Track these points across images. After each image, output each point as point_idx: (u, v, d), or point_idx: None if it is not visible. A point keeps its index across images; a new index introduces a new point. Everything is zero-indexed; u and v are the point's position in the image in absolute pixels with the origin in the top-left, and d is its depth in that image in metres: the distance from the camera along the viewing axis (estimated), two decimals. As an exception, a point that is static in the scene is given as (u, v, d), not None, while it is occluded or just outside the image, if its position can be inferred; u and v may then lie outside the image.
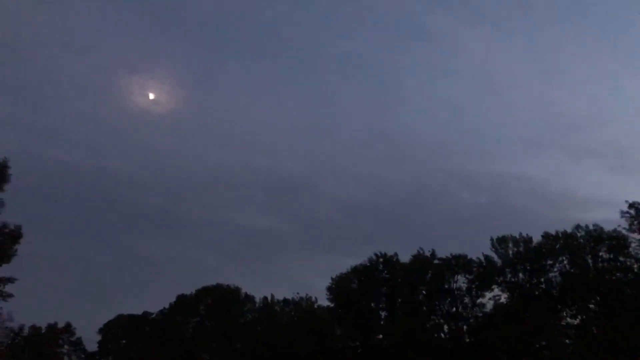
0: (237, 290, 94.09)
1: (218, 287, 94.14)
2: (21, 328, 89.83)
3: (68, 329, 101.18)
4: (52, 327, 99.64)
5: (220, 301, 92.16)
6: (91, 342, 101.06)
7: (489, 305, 72.13)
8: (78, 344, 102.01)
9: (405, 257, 78.17)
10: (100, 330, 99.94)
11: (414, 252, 77.26)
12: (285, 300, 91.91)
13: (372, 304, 78.35)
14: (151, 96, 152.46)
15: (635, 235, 64.40)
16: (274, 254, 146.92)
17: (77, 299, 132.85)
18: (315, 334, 77.73)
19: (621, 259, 64.92)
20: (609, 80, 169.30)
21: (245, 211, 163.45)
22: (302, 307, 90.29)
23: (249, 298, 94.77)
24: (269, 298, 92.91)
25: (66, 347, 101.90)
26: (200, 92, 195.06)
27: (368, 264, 79.37)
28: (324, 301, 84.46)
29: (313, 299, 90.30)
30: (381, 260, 79.30)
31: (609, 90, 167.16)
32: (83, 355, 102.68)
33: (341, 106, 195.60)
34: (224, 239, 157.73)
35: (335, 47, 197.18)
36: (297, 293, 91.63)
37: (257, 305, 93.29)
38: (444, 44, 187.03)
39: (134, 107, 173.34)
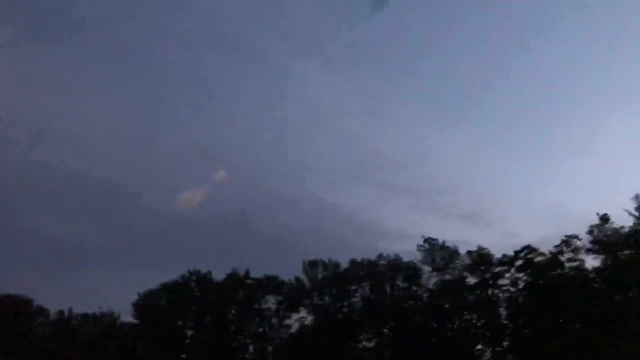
0: (29, 302, 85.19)
1: (8, 298, 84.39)
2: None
3: None
4: None
5: (9, 314, 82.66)
6: None
7: (295, 326, 74.73)
8: None
9: (220, 276, 77.81)
10: None
11: (229, 271, 77.26)
12: (84, 315, 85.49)
13: (180, 322, 76.57)
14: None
15: (427, 267, 71.78)
16: (79, 264, 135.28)
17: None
18: (116, 352, 73.54)
19: (414, 288, 71.81)
20: (418, 126, 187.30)
21: (51, 216, 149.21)
22: (103, 323, 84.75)
23: (42, 310, 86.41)
24: (66, 312, 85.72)
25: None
26: (12, 81, 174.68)
27: (180, 281, 77.54)
28: (129, 318, 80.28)
29: (116, 314, 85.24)
30: (194, 277, 78.01)
31: (417, 135, 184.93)
32: None
33: (171, 118, 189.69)
34: (23, 245, 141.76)
35: (169, 56, 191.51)
36: (100, 307, 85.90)
37: (51, 319, 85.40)
38: (279, 70, 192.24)
39: None
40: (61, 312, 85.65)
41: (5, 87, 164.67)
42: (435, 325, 67.63)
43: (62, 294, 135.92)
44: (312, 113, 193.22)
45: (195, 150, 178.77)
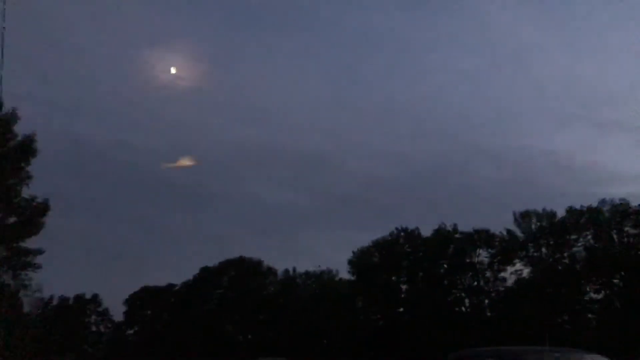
0: (259, 263, 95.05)
1: (241, 260, 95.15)
2: (50, 298, 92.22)
3: (95, 299, 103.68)
4: (79, 298, 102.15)
5: (243, 274, 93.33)
6: (117, 313, 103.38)
7: (511, 280, 71.99)
8: (105, 314, 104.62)
9: (427, 232, 78.00)
10: (126, 302, 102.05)
11: (436, 226, 76.95)
12: (306, 273, 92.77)
13: (393, 278, 78.65)
14: (173, 70, 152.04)
15: (662, 210, 63.50)
16: (296, 228, 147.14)
17: (103, 271, 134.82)
18: (336, 307, 78.39)
19: (647, 234, 64.14)
20: (636, 53, 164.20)
21: (267, 186, 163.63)
22: (323, 280, 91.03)
23: (271, 271, 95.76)
24: (291, 271, 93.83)
25: (93, 317, 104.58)
26: (222, 66, 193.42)
27: (389, 238, 79.47)
28: (345, 274, 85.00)
29: (334, 272, 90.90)
30: (402, 234, 79.34)
31: (634, 62, 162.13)
32: (110, 325, 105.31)
33: (362, 80, 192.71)
34: (247, 212, 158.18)
35: (355, 21, 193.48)
36: (319, 266, 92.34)
37: (279, 278, 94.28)
38: (467, 16, 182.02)
39: (156, 81, 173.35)
40: (286, 271, 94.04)
41: (213, 71, 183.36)
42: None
43: (284, 255, 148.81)
44: (508, 55, 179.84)
45: (389, 109, 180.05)
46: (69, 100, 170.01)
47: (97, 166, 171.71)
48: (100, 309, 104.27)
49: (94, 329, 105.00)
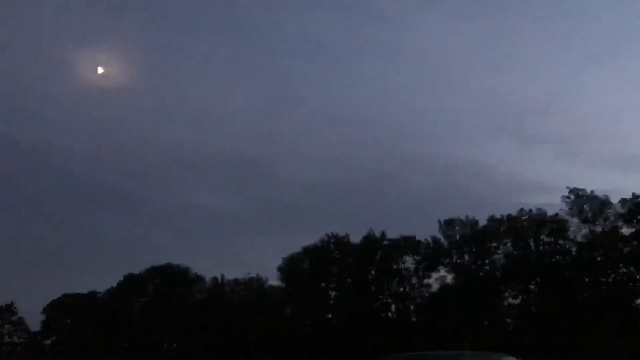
0: (186, 270, 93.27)
1: (167, 267, 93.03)
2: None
3: (9, 308, 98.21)
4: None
5: (169, 281, 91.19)
6: (35, 322, 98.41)
7: (435, 286, 74.40)
8: (20, 324, 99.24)
9: (356, 238, 79.37)
10: (44, 310, 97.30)
11: (365, 233, 78.41)
12: (235, 280, 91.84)
13: (323, 284, 79.31)
14: (100, 70, 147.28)
15: (575, 220, 67.51)
16: (227, 234, 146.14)
17: (20, 277, 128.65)
18: (265, 314, 78.15)
19: (561, 242, 67.91)
20: (561, 70, 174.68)
21: (199, 191, 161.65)
22: (252, 287, 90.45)
23: (199, 278, 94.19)
24: (219, 278, 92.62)
25: (7, 326, 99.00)
26: (153, 68, 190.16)
27: (319, 244, 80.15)
28: (275, 281, 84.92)
29: (264, 279, 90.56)
30: (332, 240, 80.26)
31: (562, 79, 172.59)
32: (25, 336, 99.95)
33: (299, 88, 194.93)
34: (177, 218, 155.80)
35: (292, 28, 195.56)
36: (248, 273, 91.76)
37: (207, 285, 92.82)
38: (400, 28, 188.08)
39: (82, 81, 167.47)
40: (215, 278, 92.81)
41: (145, 73, 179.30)
42: (586, 280, 63.62)
43: (214, 261, 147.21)
44: (437, 67, 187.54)
45: (323, 117, 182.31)
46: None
47: (19, 166, 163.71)
48: (14, 318, 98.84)
49: (7, 339, 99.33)
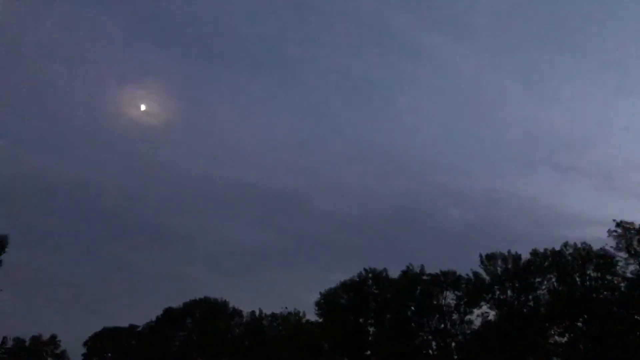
0: (225, 304, 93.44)
1: (206, 301, 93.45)
2: (4, 340, 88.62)
3: (52, 341, 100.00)
4: (36, 339, 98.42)
5: (208, 315, 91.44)
6: (76, 355, 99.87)
7: (477, 322, 72.25)
8: (62, 357, 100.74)
9: (394, 273, 78.30)
10: (86, 343, 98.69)
11: (403, 267, 77.23)
12: (273, 315, 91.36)
13: (361, 320, 78.08)
14: (143, 107, 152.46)
15: (622, 254, 64.86)
16: (263, 267, 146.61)
17: (63, 312, 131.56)
18: (303, 349, 77.27)
19: (608, 277, 65.23)
20: (599, 101, 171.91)
21: (235, 225, 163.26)
22: (290, 322, 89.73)
23: (237, 312, 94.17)
24: (257, 312, 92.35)
25: (50, 359, 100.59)
26: (192, 104, 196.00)
27: (357, 279, 79.24)
28: (312, 316, 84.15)
29: (301, 313, 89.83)
30: (370, 275, 79.25)
31: (599, 111, 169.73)
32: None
33: (333, 121, 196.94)
34: (214, 252, 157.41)
35: (327, 62, 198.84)
36: (286, 307, 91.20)
37: (244, 319, 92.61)
38: (435, 62, 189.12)
39: (125, 118, 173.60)
40: (252, 312, 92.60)
41: (183, 109, 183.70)
42: (636, 317, 60.70)
43: (251, 295, 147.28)
44: (473, 100, 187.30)
45: (359, 150, 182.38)
46: (36, 136, 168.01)
47: (62, 203, 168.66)
48: (57, 351, 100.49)
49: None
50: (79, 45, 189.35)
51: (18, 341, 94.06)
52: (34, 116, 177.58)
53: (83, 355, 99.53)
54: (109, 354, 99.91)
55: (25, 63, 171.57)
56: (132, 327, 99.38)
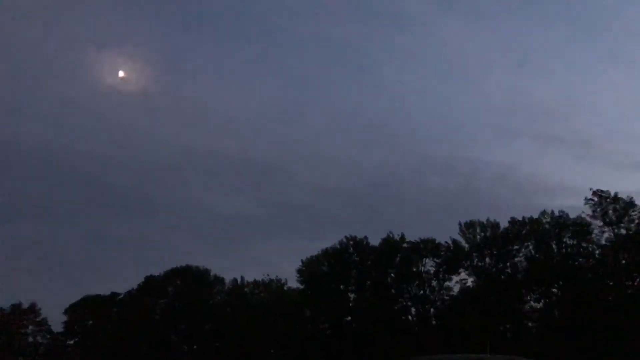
0: (206, 272, 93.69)
1: (187, 269, 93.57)
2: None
3: (33, 309, 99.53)
4: (16, 308, 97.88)
5: (189, 283, 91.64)
6: (57, 323, 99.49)
7: (456, 289, 73.73)
8: (43, 325, 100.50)
9: (375, 241, 78.95)
10: (66, 311, 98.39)
11: (384, 235, 78.01)
12: (255, 282, 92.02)
13: (342, 286, 79.05)
14: (121, 74, 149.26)
15: (598, 222, 66.37)
16: (245, 237, 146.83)
17: (42, 280, 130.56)
18: (285, 316, 78.18)
19: (584, 244, 66.86)
20: (580, 71, 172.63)
21: (216, 194, 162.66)
22: (272, 289, 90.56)
23: (219, 280, 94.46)
24: (239, 280, 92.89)
25: (31, 327, 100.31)
26: (171, 71, 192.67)
27: (338, 247, 79.89)
28: (294, 283, 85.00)
29: (283, 281, 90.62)
30: (351, 243, 79.91)
31: (582, 80, 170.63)
32: (48, 336, 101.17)
33: (314, 91, 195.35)
34: (194, 220, 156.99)
35: (310, 30, 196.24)
36: (267, 275, 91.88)
37: (226, 287, 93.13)
38: (418, 31, 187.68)
39: (103, 85, 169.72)
40: (234, 280, 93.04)
41: (163, 77, 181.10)
42: (610, 283, 62.55)
43: (233, 264, 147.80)
44: (456, 70, 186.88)
45: (340, 120, 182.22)
46: (11, 102, 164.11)
47: (39, 171, 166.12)
48: (38, 319, 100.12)
49: (30, 339, 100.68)
50: (56, 9, 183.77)
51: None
52: (8, 84, 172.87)
53: (64, 323, 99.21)
54: (90, 322, 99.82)
55: (0, 28, 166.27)
56: (114, 295, 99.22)
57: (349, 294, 79.36)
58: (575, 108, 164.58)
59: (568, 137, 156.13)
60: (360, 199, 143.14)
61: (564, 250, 67.85)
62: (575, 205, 68.66)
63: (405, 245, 76.96)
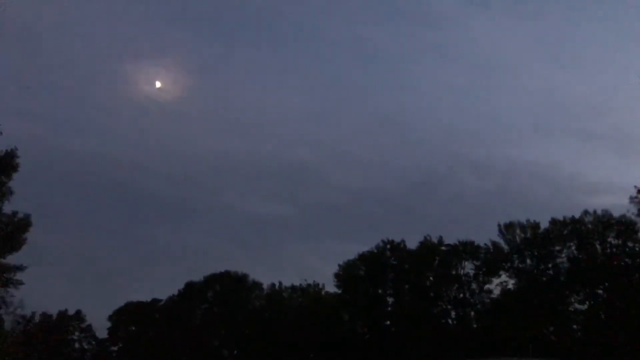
0: (245, 277, 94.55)
1: (226, 274, 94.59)
2: (32, 315, 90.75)
3: (78, 316, 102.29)
4: (62, 315, 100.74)
5: (228, 288, 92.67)
6: (101, 329, 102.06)
7: (496, 292, 72.27)
8: (88, 331, 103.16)
9: (412, 244, 78.16)
10: (110, 318, 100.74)
11: (421, 238, 77.14)
12: (292, 287, 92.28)
13: (379, 290, 78.55)
14: (158, 84, 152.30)
15: (644, 221, 64.05)
16: (281, 240, 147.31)
17: (86, 287, 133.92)
18: (322, 320, 78.04)
19: (629, 244, 64.70)
20: (618, 66, 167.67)
21: (252, 198, 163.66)
22: (309, 294, 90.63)
23: (257, 285, 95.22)
24: (277, 285, 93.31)
25: (77, 333, 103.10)
26: (206, 79, 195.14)
27: (375, 251, 79.43)
28: (331, 288, 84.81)
29: (320, 285, 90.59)
30: (388, 246, 79.38)
31: (618, 75, 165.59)
32: (93, 342, 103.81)
33: (348, 92, 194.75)
34: (231, 225, 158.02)
35: (341, 32, 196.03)
36: (305, 280, 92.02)
37: (264, 292, 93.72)
38: (451, 29, 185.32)
39: (141, 95, 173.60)
40: (272, 285, 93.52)
41: (199, 84, 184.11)
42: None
43: (270, 268, 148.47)
44: (490, 68, 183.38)
45: (375, 121, 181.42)
46: (53, 114, 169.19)
47: (81, 180, 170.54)
48: (83, 325, 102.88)
49: (77, 345, 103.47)
50: (94, 22, 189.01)
51: (45, 317, 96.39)
52: (51, 95, 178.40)
53: (108, 329, 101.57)
54: (133, 328, 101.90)
55: (42, 41, 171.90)
56: (155, 302, 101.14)
57: (387, 298, 78.78)
58: (613, 104, 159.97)
59: (608, 134, 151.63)
60: (396, 200, 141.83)
61: (608, 250, 65.78)
62: (619, 203, 66.56)
63: (443, 247, 76.00)
